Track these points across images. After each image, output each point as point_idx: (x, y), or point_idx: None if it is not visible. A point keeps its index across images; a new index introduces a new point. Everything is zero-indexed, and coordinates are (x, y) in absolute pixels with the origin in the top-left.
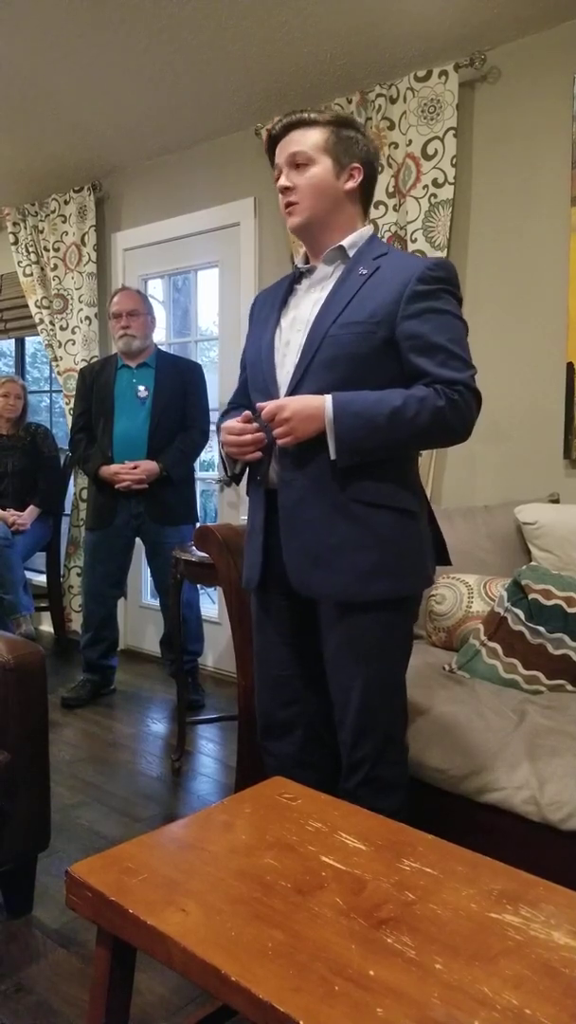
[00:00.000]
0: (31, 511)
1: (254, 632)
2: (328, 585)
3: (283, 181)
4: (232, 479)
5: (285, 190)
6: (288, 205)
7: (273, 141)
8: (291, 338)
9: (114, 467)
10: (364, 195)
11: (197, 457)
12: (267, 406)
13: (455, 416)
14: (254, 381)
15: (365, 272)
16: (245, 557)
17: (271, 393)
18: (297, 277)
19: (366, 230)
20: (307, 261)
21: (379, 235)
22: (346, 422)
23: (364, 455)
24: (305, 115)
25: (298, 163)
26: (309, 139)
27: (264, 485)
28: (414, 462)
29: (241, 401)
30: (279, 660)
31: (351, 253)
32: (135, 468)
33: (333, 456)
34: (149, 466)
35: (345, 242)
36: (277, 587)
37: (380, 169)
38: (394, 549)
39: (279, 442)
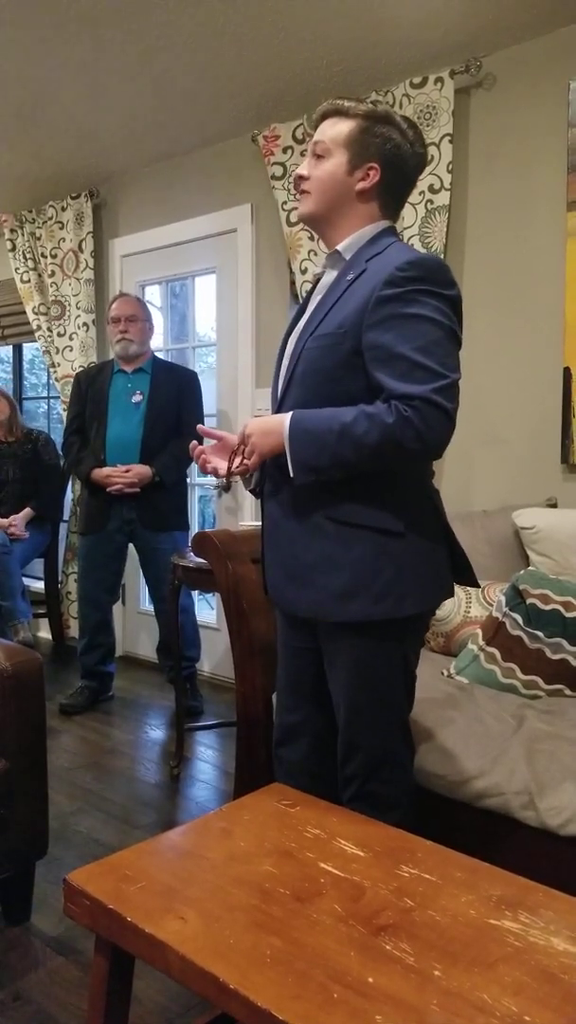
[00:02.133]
0: (25, 513)
1: (277, 631)
2: (302, 602)
3: (300, 169)
4: (225, 488)
5: (299, 179)
6: (300, 194)
7: (314, 129)
8: (292, 348)
9: (106, 470)
10: (384, 195)
11: (190, 463)
12: (237, 435)
13: (407, 434)
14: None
15: (351, 278)
16: (261, 561)
17: (275, 401)
18: (319, 281)
19: (369, 228)
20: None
21: None
22: (299, 439)
23: (319, 473)
24: (340, 104)
25: (317, 153)
26: (334, 131)
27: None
28: (413, 478)
29: None
30: (289, 663)
31: (347, 256)
32: (127, 471)
33: (291, 474)
34: (141, 470)
35: (340, 245)
36: None
37: (411, 171)
38: (371, 570)
39: (249, 464)
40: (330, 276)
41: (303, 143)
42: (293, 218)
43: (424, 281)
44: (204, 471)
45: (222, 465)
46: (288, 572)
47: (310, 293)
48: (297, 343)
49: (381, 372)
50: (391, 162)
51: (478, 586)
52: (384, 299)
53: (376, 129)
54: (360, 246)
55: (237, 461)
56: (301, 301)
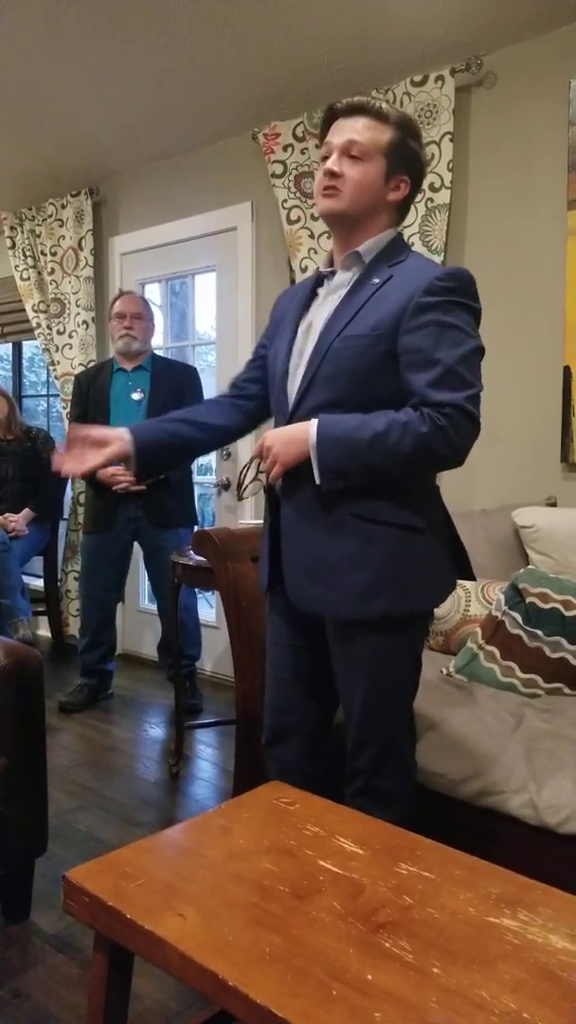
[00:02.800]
0: (25, 514)
1: (267, 630)
2: (325, 602)
3: (333, 165)
4: (239, 497)
5: (332, 175)
6: (328, 188)
7: (333, 116)
8: (304, 347)
9: (111, 468)
10: (404, 207)
11: (194, 459)
12: (255, 447)
13: (440, 442)
14: (271, 387)
15: (377, 282)
16: (260, 559)
17: (282, 402)
18: (319, 280)
19: (387, 234)
20: (330, 263)
21: None
22: (328, 447)
23: (348, 480)
24: (377, 105)
25: (353, 154)
26: (373, 136)
27: (274, 492)
28: (426, 477)
29: (240, 391)
30: (283, 662)
31: (367, 260)
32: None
33: (317, 481)
34: None
35: (361, 248)
36: (285, 592)
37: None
38: (394, 567)
39: (269, 476)
40: (344, 277)
41: (303, 141)
42: (293, 216)
43: (460, 293)
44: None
45: (83, 464)
46: (308, 572)
47: (313, 290)
48: (319, 343)
49: (416, 375)
50: (416, 178)
51: (474, 578)
52: (425, 306)
53: (410, 143)
54: (378, 251)
55: (251, 475)
56: (303, 298)
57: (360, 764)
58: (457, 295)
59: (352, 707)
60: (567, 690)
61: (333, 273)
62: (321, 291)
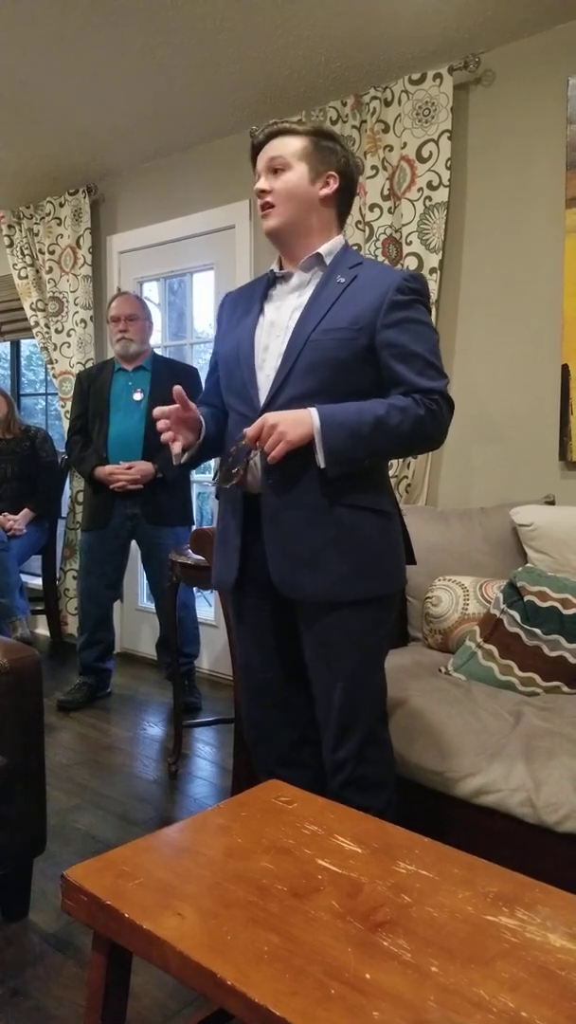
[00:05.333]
0: (25, 514)
1: (234, 637)
2: (312, 586)
3: (260, 184)
4: (224, 483)
5: (261, 193)
6: (264, 207)
7: (256, 149)
8: (270, 343)
9: (109, 467)
10: (340, 204)
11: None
12: (250, 430)
13: (433, 425)
14: (230, 384)
15: (343, 280)
16: (216, 560)
17: (250, 396)
18: (271, 282)
19: (339, 239)
20: (281, 266)
21: (374, 238)
22: (334, 432)
23: (352, 464)
24: (286, 124)
25: (275, 168)
26: (288, 147)
27: (241, 490)
28: (384, 465)
29: (212, 402)
30: (259, 663)
31: (328, 261)
32: (130, 468)
33: (322, 466)
34: (144, 466)
35: (322, 249)
36: (254, 590)
37: (358, 185)
38: (374, 550)
39: (270, 456)
40: (302, 277)
41: None
42: None
43: (421, 294)
44: (163, 436)
45: (181, 440)
46: (294, 559)
47: (265, 290)
48: (295, 337)
49: (401, 367)
50: (344, 172)
51: (414, 562)
52: (398, 304)
53: (326, 143)
54: (336, 253)
55: (252, 459)
56: (252, 301)
57: (343, 754)
58: (420, 295)
59: (333, 696)
60: (565, 688)
61: (289, 275)
62: (275, 291)
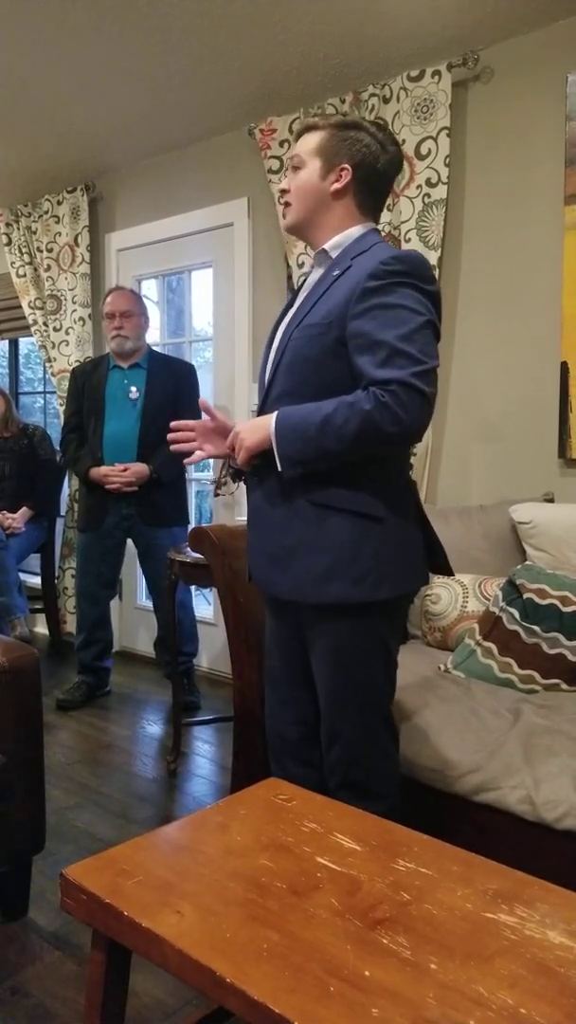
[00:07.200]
0: (23, 512)
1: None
2: (283, 584)
3: (283, 184)
4: (216, 489)
5: (282, 192)
6: (285, 207)
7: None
8: (279, 340)
9: (104, 469)
10: (360, 194)
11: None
12: (228, 438)
13: (385, 418)
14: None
15: (337, 273)
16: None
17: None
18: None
19: (355, 229)
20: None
21: None
22: (285, 434)
23: (305, 466)
24: (311, 120)
25: (295, 166)
26: (306, 144)
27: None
28: (393, 466)
29: None
30: (274, 653)
31: (334, 255)
32: (125, 470)
33: (279, 468)
34: (139, 468)
35: (327, 244)
36: None
37: (384, 169)
38: (349, 553)
39: (237, 462)
40: (317, 273)
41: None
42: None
43: (406, 275)
44: (186, 452)
45: (209, 448)
46: (270, 556)
47: (298, 289)
48: (284, 335)
49: (363, 358)
50: (362, 162)
51: (452, 574)
52: (368, 290)
53: (344, 135)
54: (346, 245)
55: (224, 470)
56: (289, 297)
57: (334, 757)
58: (402, 276)
59: (322, 698)
60: (565, 686)
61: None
62: (304, 285)
